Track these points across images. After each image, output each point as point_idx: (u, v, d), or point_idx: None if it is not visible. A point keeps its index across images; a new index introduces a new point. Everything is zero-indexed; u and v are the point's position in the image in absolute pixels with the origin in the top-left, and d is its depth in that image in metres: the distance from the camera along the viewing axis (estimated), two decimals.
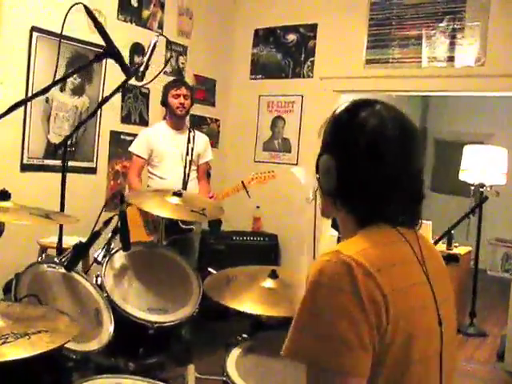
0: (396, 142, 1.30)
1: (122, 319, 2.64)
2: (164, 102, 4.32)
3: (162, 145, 4.27)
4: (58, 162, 4.42)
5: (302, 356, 1.18)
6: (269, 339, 2.50)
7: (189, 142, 4.32)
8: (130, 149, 4.33)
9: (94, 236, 2.54)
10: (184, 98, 4.24)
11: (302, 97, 5.87)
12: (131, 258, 2.93)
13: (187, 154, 4.29)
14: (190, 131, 4.39)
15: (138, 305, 2.76)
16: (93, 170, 4.90)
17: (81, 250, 2.55)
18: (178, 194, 3.01)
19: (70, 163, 4.55)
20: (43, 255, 3.02)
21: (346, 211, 1.34)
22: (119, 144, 5.05)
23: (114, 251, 2.89)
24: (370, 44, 5.44)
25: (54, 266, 2.57)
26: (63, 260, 2.61)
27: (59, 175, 4.34)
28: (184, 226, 4.18)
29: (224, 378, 2.24)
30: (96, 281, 2.75)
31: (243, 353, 2.45)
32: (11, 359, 1.61)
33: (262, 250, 5.58)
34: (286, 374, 2.25)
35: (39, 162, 4.42)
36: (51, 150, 4.45)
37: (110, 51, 2.43)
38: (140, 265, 2.95)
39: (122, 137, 5.09)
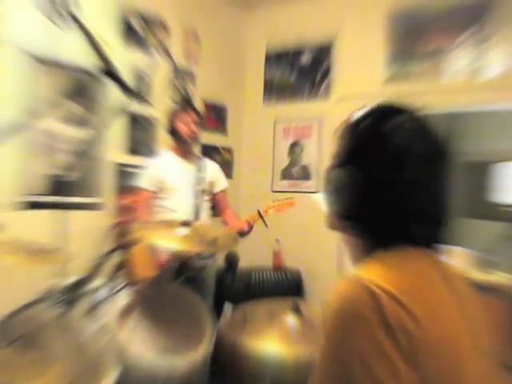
0: (422, 159, 1.19)
1: (129, 362, 2.50)
2: (171, 130, 4.22)
3: (170, 176, 4.15)
4: (60, 199, 4.37)
5: None
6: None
7: (199, 170, 4.21)
8: (137, 183, 4.22)
9: (93, 272, 2.42)
10: (194, 124, 4.15)
11: (320, 120, 5.77)
12: (138, 296, 2.80)
13: (198, 183, 4.17)
14: (199, 159, 4.28)
15: (146, 347, 2.63)
16: (98, 206, 4.80)
17: (79, 287, 2.44)
18: (186, 223, 2.89)
19: (74, 199, 4.49)
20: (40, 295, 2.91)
21: (358, 231, 1.23)
22: (126, 177, 4.95)
23: (119, 288, 2.76)
24: (390, 60, 5.36)
25: (50, 305, 2.45)
26: (61, 299, 2.49)
27: (63, 212, 4.29)
28: (198, 263, 4.04)
29: None
30: (99, 321, 2.62)
31: None
32: None
33: (285, 287, 5.43)
34: None
35: (41, 198, 4.33)
36: (54, 186, 4.38)
37: (108, 70, 2.35)
38: (147, 303, 2.82)
39: (129, 169, 4.99)
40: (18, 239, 2.30)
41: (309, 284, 5.61)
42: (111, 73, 2.29)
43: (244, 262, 5.51)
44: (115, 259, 2.61)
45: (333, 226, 1.33)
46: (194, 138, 4.17)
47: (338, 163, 1.27)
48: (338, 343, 1.04)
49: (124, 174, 4.97)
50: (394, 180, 1.17)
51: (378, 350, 1.01)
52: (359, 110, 1.30)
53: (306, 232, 5.54)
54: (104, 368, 2.35)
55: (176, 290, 2.99)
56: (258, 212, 4.11)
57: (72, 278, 2.52)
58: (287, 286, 5.46)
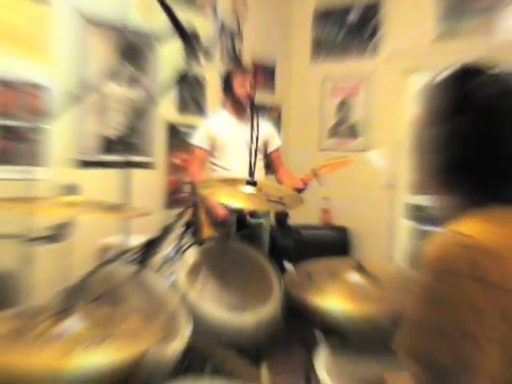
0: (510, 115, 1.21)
1: (199, 320, 2.52)
2: (227, 89, 4.20)
3: (224, 135, 4.16)
4: (114, 158, 4.39)
5: (420, 353, 1.07)
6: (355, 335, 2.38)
7: (253, 129, 4.18)
8: (191, 141, 4.23)
9: (167, 230, 2.43)
10: (250, 85, 4.13)
11: (368, 78, 5.69)
12: (204, 254, 2.80)
13: (252, 142, 4.15)
14: (252, 118, 4.24)
15: (215, 303, 2.64)
16: (150, 165, 4.82)
17: (153, 246, 2.45)
18: (251, 182, 2.87)
19: (127, 158, 4.52)
20: (112, 253, 2.93)
21: (454, 190, 1.25)
22: (176, 136, 4.96)
23: (185, 247, 2.78)
24: (440, 17, 5.22)
25: (124, 263, 2.48)
26: (134, 258, 2.51)
27: (116, 171, 4.31)
28: (252, 220, 4.05)
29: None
30: (169, 279, 2.64)
31: (331, 352, 2.32)
32: (100, 363, 1.54)
33: (333, 244, 5.45)
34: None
35: (95, 157, 4.36)
36: (108, 145, 4.41)
37: (179, 30, 2.34)
38: (214, 261, 2.83)
39: (179, 128, 4.99)
40: (91, 198, 2.32)
41: (357, 242, 5.62)
42: (182, 32, 2.27)
43: (293, 220, 5.51)
44: (183, 218, 2.62)
45: (422, 187, 1.35)
46: (249, 99, 4.14)
47: (437, 121, 1.25)
48: (432, 295, 1.07)
49: (175, 132, 4.98)
50: (494, 131, 1.19)
51: (468, 304, 1.03)
52: (441, 74, 1.31)
53: (354, 190, 5.51)
54: (179, 324, 2.38)
55: (241, 248, 3.00)
56: (313, 170, 4.09)
57: (144, 237, 2.53)
58: (335, 243, 5.49)
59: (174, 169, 5.00)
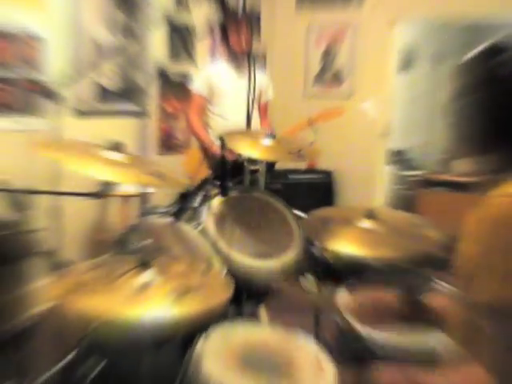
0: None
1: (230, 267, 2.64)
2: (223, 41, 4.25)
3: (222, 83, 4.23)
4: (110, 107, 4.42)
5: (498, 299, 1.18)
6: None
7: (250, 79, 4.25)
8: (191, 87, 4.30)
9: (203, 184, 2.54)
10: (245, 38, 4.17)
11: (354, 27, 5.76)
12: (228, 204, 2.92)
13: (249, 92, 4.23)
14: (250, 68, 4.31)
15: (242, 251, 2.76)
16: (143, 113, 4.84)
17: (187, 199, 2.56)
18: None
19: (121, 106, 4.55)
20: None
21: (492, 152, 1.36)
22: (167, 83, 4.99)
23: (211, 198, 2.88)
24: None
25: (161, 215, 2.58)
26: (169, 209, 2.61)
27: (113, 120, 4.35)
28: (249, 166, 4.17)
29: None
30: (197, 229, 2.75)
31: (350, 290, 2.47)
32: (183, 314, 1.66)
33: (318, 188, 5.61)
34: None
35: (91, 107, 4.36)
36: (103, 94, 4.42)
37: None
38: (238, 210, 2.94)
39: (170, 75, 5.02)
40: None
41: (340, 185, 5.79)
42: None
43: (279, 165, 5.62)
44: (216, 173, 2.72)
45: (460, 151, 1.45)
46: (246, 50, 4.18)
47: (470, 92, 1.38)
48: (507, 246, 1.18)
49: (167, 79, 5.00)
50: None
51: None
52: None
53: (340, 136, 5.62)
54: (216, 272, 2.51)
55: (260, 196, 3.12)
56: (309, 119, 4.22)
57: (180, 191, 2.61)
58: (320, 187, 5.65)
59: (166, 116, 5.06)
